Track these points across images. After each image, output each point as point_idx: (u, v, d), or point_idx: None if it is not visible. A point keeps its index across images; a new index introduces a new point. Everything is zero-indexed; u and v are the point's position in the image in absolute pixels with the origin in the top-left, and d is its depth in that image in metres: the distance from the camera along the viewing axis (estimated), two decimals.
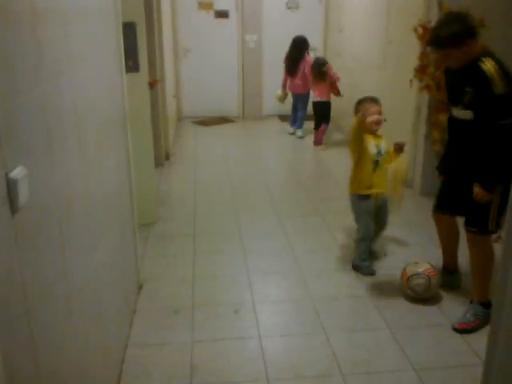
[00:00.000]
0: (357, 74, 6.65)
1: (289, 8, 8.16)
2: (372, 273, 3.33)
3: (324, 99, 6.65)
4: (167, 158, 6.04)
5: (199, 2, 8.05)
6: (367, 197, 3.24)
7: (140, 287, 3.18)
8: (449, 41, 2.59)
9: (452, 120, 2.84)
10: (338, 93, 6.59)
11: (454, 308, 2.93)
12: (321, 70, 6.53)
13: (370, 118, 3.16)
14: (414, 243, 3.75)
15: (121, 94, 2.81)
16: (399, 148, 3.25)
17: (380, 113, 3.22)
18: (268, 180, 5.39)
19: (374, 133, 3.24)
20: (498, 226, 2.66)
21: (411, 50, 4.66)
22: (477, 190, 2.62)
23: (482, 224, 2.69)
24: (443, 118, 4.16)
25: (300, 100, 7.13)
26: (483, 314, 2.73)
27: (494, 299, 1.61)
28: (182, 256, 3.63)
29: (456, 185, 2.86)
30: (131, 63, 3.63)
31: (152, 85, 4.25)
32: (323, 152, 6.45)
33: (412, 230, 3.97)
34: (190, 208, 4.57)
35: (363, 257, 3.37)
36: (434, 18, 4.31)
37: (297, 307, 3.01)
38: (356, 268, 3.38)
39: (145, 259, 3.52)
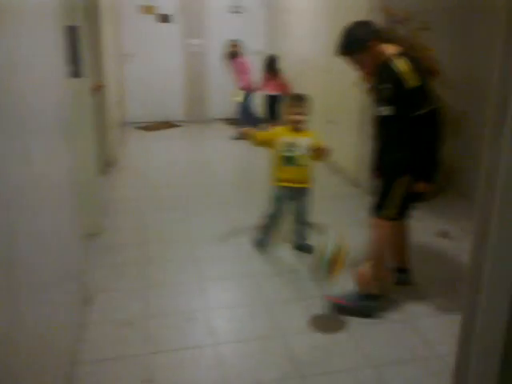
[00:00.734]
0: (305, 77, 6.72)
1: (232, 12, 8.17)
2: (263, 246, 3.67)
3: (276, 93, 6.92)
4: (112, 165, 5.89)
5: (141, 6, 7.93)
6: (278, 187, 3.51)
7: (89, 300, 3.07)
8: (355, 46, 2.71)
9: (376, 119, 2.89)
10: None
11: (407, 303, 2.99)
12: (273, 67, 6.73)
13: (291, 117, 3.38)
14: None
15: (64, 101, 2.69)
16: (318, 151, 3.36)
17: (302, 112, 3.36)
18: (217, 184, 5.35)
19: (295, 129, 3.39)
20: (403, 215, 2.83)
21: None
22: (421, 185, 2.73)
23: (376, 206, 2.80)
24: None
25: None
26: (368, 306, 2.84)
27: (466, 291, 1.60)
28: (132, 266, 3.53)
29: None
30: (74, 68, 3.50)
31: (95, 90, 4.12)
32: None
33: (364, 230, 4.02)
34: (137, 216, 4.46)
35: (260, 233, 3.70)
36: (378, 21, 4.42)
37: (251, 311, 2.98)
38: (254, 244, 3.73)
39: (92, 270, 3.39)
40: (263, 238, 3.71)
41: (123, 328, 2.82)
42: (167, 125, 8.22)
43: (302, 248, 3.66)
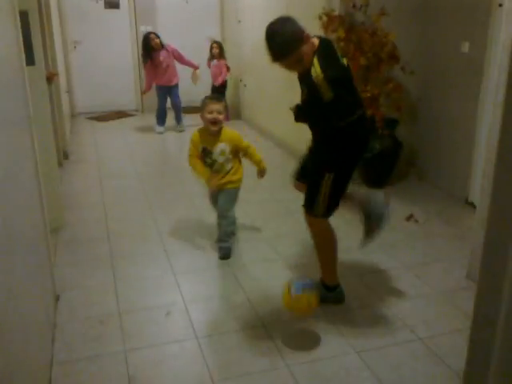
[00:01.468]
0: (259, 65, 6.66)
1: None
2: (225, 256, 3.43)
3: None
4: (66, 157, 5.65)
5: None
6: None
7: (57, 298, 2.92)
8: (295, 42, 2.40)
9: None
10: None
11: (384, 289, 3.02)
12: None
13: (207, 116, 3.21)
14: None
15: (22, 90, 2.53)
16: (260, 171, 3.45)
17: (220, 112, 3.21)
18: (178, 173, 5.23)
19: (212, 133, 3.27)
20: (330, 213, 2.69)
21: None
22: None
23: (307, 204, 2.71)
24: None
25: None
26: (325, 296, 2.77)
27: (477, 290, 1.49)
28: (99, 261, 3.39)
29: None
30: (26, 56, 3.30)
31: (49, 79, 3.91)
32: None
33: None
34: (98, 209, 4.30)
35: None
36: (336, 8, 4.42)
37: (229, 302, 2.93)
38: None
39: (57, 267, 3.24)
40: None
41: (95, 325, 2.70)
42: (119, 114, 7.98)
43: (219, 249, 3.49)
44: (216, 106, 3.19)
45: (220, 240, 3.49)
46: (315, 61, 2.42)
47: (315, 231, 2.77)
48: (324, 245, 2.80)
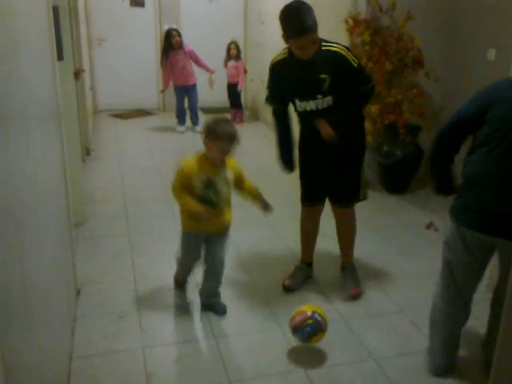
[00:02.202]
0: None
1: None
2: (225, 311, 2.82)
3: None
4: (88, 153, 5.71)
5: None
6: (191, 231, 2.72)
7: (77, 292, 2.96)
8: (316, 25, 2.52)
9: (304, 115, 2.79)
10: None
11: (403, 295, 3.01)
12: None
13: (217, 154, 2.56)
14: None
15: (53, 85, 2.57)
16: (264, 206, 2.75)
17: (230, 151, 2.57)
18: None
19: (215, 164, 2.60)
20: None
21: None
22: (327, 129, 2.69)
23: (355, 196, 2.96)
24: (375, 109, 4.27)
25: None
26: (358, 274, 3.10)
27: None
28: (119, 257, 3.43)
29: (322, 173, 2.93)
30: (57, 51, 3.34)
31: (77, 75, 3.96)
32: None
33: None
34: (119, 205, 4.34)
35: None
36: (363, 11, 4.41)
37: (250, 303, 2.92)
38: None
39: (78, 262, 3.26)
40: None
41: (114, 321, 2.73)
42: (141, 113, 8.04)
43: (213, 308, 2.83)
44: (228, 148, 2.53)
45: (213, 295, 2.84)
46: (342, 48, 2.62)
47: (354, 221, 3.05)
48: (355, 229, 3.09)
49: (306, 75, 2.65)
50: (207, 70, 6.90)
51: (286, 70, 2.74)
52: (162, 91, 7.18)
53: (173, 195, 2.62)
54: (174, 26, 7.55)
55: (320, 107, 2.70)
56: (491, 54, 4.16)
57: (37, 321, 1.64)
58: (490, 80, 2.86)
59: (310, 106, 2.71)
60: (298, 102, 2.76)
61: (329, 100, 2.68)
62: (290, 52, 2.69)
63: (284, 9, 2.54)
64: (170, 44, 6.65)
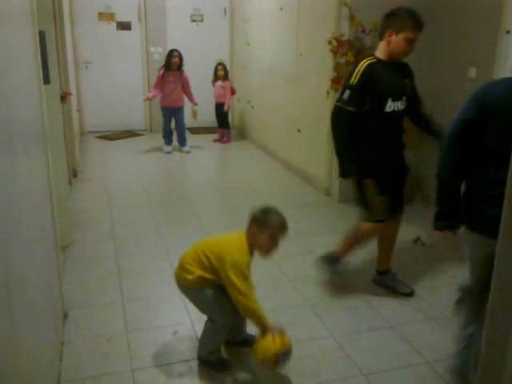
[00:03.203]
0: (267, 87, 6.74)
1: (193, 21, 8.12)
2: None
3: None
4: (75, 175, 5.70)
5: (100, 12, 7.77)
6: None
7: (65, 316, 2.93)
8: None
9: (391, 115, 2.96)
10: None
11: (392, 310, 3.02)
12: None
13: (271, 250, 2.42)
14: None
15: (40, 108, 2.58)
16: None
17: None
18: (187, 192, 5.27)
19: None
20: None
21: (323, 62, 4.80)
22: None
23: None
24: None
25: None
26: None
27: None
28: (106, 279, 3.41)
29: (396, 181, 3.17)
30: (44, 74, 3.36)
31: (63, 98, 3.98)
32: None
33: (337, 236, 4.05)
34: (106, 227, 4.32)
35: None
36: (346, 31, 4.49)
37: None
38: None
39: (65, 285, 3.24)
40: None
41: (103, 344, 2.70)
42: (129, 134, 8.05)
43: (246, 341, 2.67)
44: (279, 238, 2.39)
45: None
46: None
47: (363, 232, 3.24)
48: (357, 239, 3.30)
49: (397, 77, 2.96)
50: (191, 100, 6.96)
51: (380, 71, 2.93)
52: (145, 100, 7.28)
53: (251, 306, 2.30)
54: (160, 50, 7.68)
55: (400, 109, 2.98)
56: (472, 73, 4.25)
57: (23, 345, 1.63)
58: None
59: (399, 106, 2.95)
60: (389, 102, 2.92)
61: (404, 103, 2.98)
62: (377, 58, 2.96)
63: (402, 7, 2.85)
64: (169, 64, 6.73)
